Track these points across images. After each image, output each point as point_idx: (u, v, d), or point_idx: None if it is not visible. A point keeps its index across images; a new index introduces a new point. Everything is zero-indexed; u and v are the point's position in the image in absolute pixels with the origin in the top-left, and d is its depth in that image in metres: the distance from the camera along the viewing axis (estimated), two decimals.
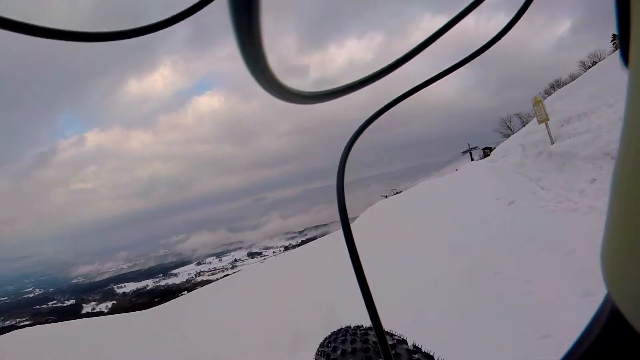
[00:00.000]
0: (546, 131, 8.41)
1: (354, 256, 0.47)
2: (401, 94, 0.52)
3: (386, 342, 0.46)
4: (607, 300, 0.31)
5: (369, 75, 0.36)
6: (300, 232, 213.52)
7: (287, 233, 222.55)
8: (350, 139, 0.53)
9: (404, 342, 1.08)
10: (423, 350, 1.04)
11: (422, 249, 5.73)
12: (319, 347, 1.30)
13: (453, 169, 29.25)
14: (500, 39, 0.51)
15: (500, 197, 7.09)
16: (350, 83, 0.34)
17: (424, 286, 4.12)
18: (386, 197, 25.61)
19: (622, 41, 0.32)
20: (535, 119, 9.80)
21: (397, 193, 27.96)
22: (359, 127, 0.53)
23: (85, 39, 0.31)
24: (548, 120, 8.47)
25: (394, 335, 1.11)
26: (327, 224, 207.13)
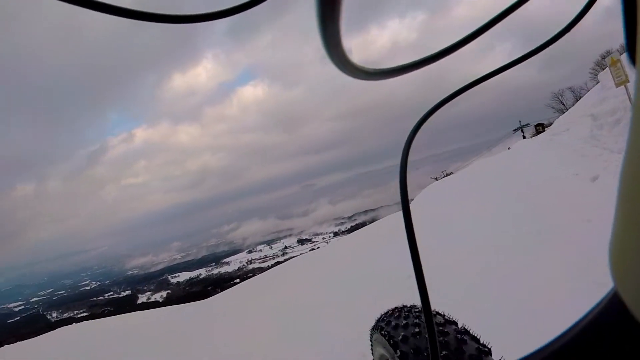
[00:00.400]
0: (621, 97, 7.68)
1: (412, 240, 0.49)
2: (466, 84, 0.52)
3: (432, 318, 0.49)
4: (614, 294, 0.32)
5: (429, 56, 0.37)
6: (349, 218, 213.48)
7: (336, 219, 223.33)
8: (414, 127, 0.54)
9: (454, 323, 1.13)
10: (471, 333, 1.08)
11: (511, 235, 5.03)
12: (376, 322, 1.34)
13: (504, 147, 27.97)
14: (569, 30, 0.51)
15: (578, 172, 6.58)
16: (411, 62, 0.35)
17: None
18: (436, 179, 25.00)
19: (628, 40, 0.33)
20: (597, 86, 9.08)
21: (447, 175, 27.24)
22: (422, 117, 0.54)
23: (151, 19, 0.33)
24: (628, 82, 7.50)
25: (445, 316, 1.17)
26: (376, 208, 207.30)
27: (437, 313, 1.17)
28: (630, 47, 0.33)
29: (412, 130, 0.53)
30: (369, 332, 1.42)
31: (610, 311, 0.32)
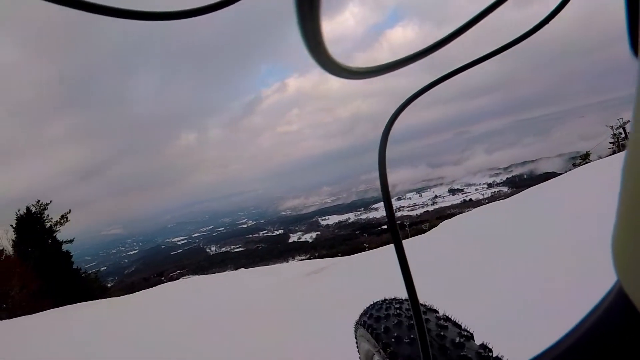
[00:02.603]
0: None
1: (393, 225, 0.49)
2: (449, 72, 0.52)
3: (419, 308, 0.50)
4: (617, 288, 0.32)
5: (417, 52, 0.37)
6: (505, 169, 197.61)
7: (490, 169, 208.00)
8: (388, 121, 0.54)
9: (435, 311, 1.11)
10: (452, 320, 1.05)
11: None
12: (359, 317, 1.28)
13: None
14: (544, 25, 0.49)
15: None
16: (399, 59, 0.34)
17: None
18: (612, 127, 18.49)
19: (631, 32, 0.33)
20: None
21: (625, 124, 20.50)
22: (398, 107, 0.53)
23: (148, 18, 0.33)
24: None
25: (426, 305, 1.13)
26: (535, 160, 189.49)
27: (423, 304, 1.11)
28: (632, 39, 0.33)
29: (386, 127, 0.53)
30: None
31: (615, 307, 0.32)
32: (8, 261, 12.44)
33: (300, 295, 6.09)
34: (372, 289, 2.37)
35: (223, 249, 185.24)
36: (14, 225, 17.80)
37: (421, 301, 0.84)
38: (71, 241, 20.36)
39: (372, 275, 5.98)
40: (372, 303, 1.29)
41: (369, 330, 1.12)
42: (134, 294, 13.23)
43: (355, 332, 1.35)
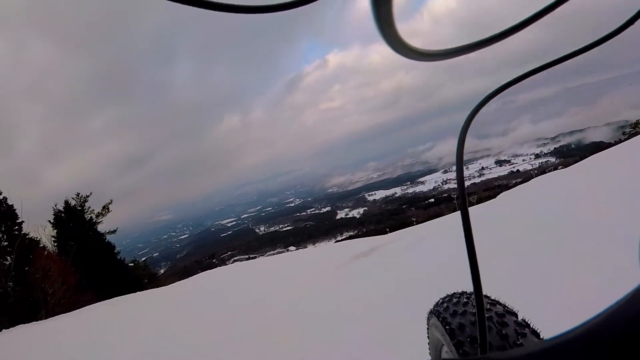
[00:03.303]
0: None
1: (465, 216, 0.50)
2: (531, 70, 0.51)
3: (482, 303, 0.51)
4: None
5: (488, 37, 0.36)
6: (552, 139, 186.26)
7: (537, 139, 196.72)
8: (469, 115, 0.54)
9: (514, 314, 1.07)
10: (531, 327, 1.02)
11: None
12: (434, 306, 1.29)
13: None
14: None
15: None
16: (468, 44, 0.34)
17: None
18: None
19: None
20: None
21: None
22: (480, 102, 0.53)
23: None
24: None
25: (507, 306, 1.11)
26: (583, 129, 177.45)
27: (497, 302, 1.11)
28: None
29: (467, 118, 0.54)
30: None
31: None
32: (48, 258, 12.20)
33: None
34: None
35: (272, 229, 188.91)
36: (52, 221, 17.59)
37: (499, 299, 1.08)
38: (114, 231, 20.20)
39: (426, 260, 5.15)
40: (449, 294, 1.28)
41: (443, 323, 1.12)
42: (180, 282, 13.21)
43: (428, 320, 1.34)
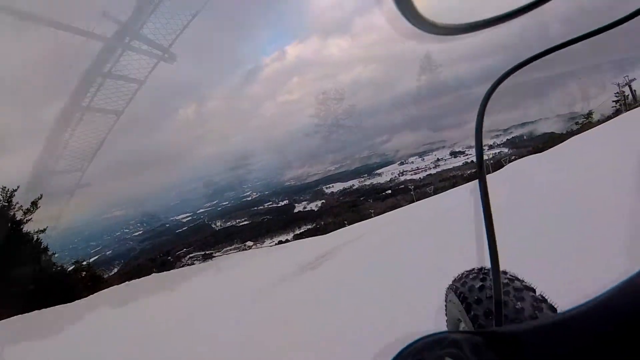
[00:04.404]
0: None
1: (485, 192, 0.50)
2: (548, 48, 0.51)
3: (499, 280, 0.52)
4: None
5: (507, 12, 0.34)
6: (504, 130, 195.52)
7: (490, 131, 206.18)
8: (488, 91, 0.55)
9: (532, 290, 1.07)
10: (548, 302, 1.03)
11: None
12: (452, 282, 1.29)
13: None
14: None
15: None
16: (488, 19, 0.33)
17: None
18: None
19: None
20: None
21: None
22: (497, 80, 0.54)
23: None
24: None
25: (525, 282, 1.10)
26: (535, 121, 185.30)
27: (516, 278, 1.11)
28: None
29: (485, 96, 0.55)
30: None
31: None
32: None
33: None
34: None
35: (229, 223, 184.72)
36: None
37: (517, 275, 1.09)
38: (43, 231, 17.33)
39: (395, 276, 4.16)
40: (468, 269, 1.28)
41: (460, 298, 1.13)
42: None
43: (447, 295, 1.34)
